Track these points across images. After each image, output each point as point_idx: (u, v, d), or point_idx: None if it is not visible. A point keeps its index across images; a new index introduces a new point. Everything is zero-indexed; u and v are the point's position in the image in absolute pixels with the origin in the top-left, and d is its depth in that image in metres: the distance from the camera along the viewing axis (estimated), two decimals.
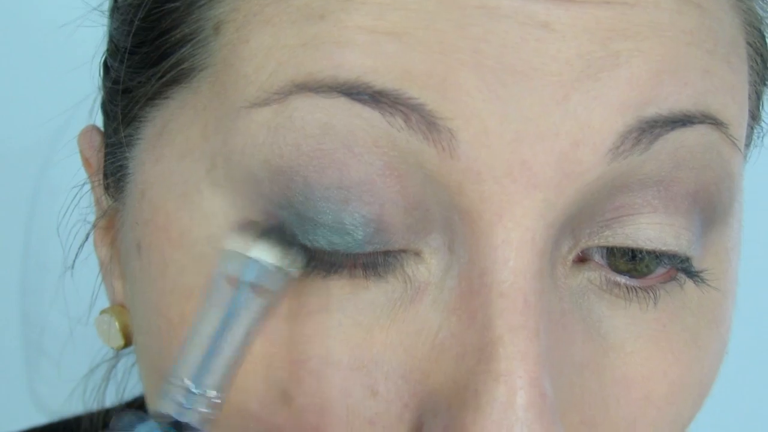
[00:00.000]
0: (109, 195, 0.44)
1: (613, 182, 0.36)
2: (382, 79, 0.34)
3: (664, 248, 0.38)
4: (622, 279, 0.38)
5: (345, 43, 0.34)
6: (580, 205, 0.36)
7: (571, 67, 0.35)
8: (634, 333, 0.38)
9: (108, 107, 0.44)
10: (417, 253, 0.36)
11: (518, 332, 0.34)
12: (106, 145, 0.44)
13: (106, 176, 0.44)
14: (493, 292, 0.35)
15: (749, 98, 0.42)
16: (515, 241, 0.35)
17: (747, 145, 0.45)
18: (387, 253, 0.36)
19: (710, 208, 0.39)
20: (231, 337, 0.34)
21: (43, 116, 0.49)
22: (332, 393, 0.36)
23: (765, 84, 0.44)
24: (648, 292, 0.38)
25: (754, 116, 0.44)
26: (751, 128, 0.44)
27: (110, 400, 0.56)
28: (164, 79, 0.39)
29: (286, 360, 0.36)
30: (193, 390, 0.33)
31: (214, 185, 0.37)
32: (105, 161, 0.44)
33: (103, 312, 0.47)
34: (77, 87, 0.46)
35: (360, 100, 0.34)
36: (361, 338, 0.36)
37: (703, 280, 0.40)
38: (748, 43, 0.41)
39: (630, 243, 0.37)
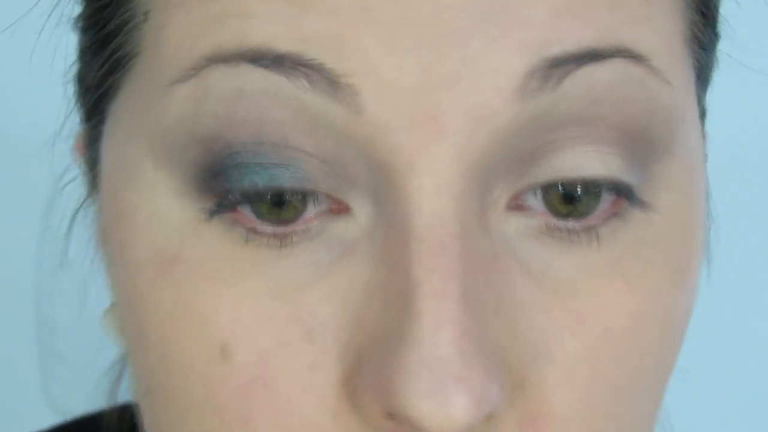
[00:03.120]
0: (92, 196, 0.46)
1: (530, 123, 0.37)
2: (282, 43, 0.36)
3: (593, 174, 0.38)
4: (561, 223, 0.38)
5: (247, 14, 0.36)
6: (501, 149, 0.37)
7: (465, 14, 0.36)
8: (584, 272, 0.38)
9: (80, 110, 0.46)
10: (347, 209, 0.38)
11: (435, 273, 0.35)
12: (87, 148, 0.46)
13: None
14: (411, 238, 0.35)
15: (687, 26, 0.41)
16: (428, 187, 0.35)
17: (701, 78, 0.44)
18: (314, 211, 0.37)
19: (644, 140, 0.38)
20: None
21: (59, 114, 0.49)
22: (270, 344, 0.37)
23: (703, 14, 0.42)
24: (590, 233, 0.38)
25: (704, 45, 0.43)
26: (703, 58, 0.43)
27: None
28: (104, 69, 0.41)
29: (223, 318, 0.37)
30: None
31: (155, 161, 0.39)
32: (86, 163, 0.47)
33: (106, 311, 0.48)
34: None
35: (264, 65, 0.36)
36: (294, 292, 0.37)
37: (644, 205, 0.39)
38: None
39: (557, 174, 0.37)
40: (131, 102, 0.41)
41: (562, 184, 0.38)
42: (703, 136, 0.46)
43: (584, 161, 0.37)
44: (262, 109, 0.36)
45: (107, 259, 0.43)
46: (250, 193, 0.37)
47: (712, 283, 0.49)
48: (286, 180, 0.37)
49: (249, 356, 0.37)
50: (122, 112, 0.41)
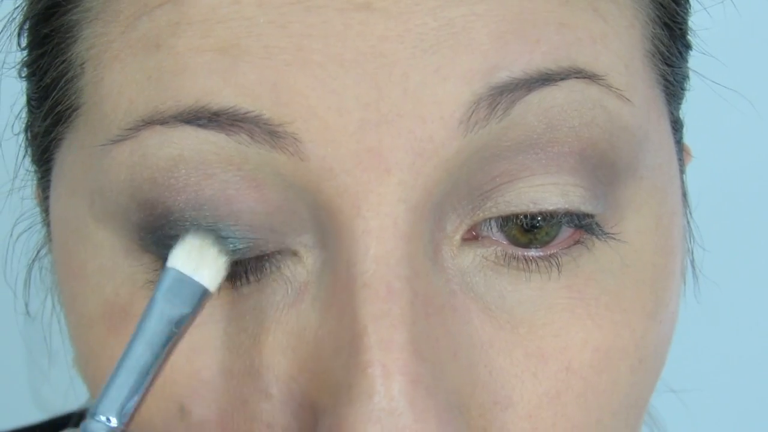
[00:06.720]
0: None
1: (480, 153, 0.35)
2: (217, 98, 0.34)
3: (551, 208, 0.36)
4: (519, 251, 0.37)
5: (181, 69, 0.35)
6: (450, 181, 0.35)
7: (403, 45, 0.34)
8: (543, 304, 0.37)
9: (30, 158, 0.45)
10: (294, 254, 0.36)
11: (381, 321, 0.34)
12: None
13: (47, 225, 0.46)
14: (357, 283, 0.34)
15: (648, 41, 0.39)
16: (375, 229, 0.34)
17: (671, 91, 0.42)
18: (260, 258, 0.36)
19: (607, 165, 0.37)
20: (155, 366, 0.35)
21: None
22: (228, 401, 0.36)
23: (669, 26, 0.41)
24: (550, 261, 0.37)
25: (669, 59, 0.41)
26: (669, 72, 0.41)
27: None
28: (48, 120, 0.40)
29: (181, 374, 0.36)
30: (114, 426, 0.34)
31: (96, 220, 0.38)
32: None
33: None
34: None
35: (201, 125, 0.35)
36: (249, 344, 0.36)
37: (608, 236, 0.37)
38: None
39: (513, 209, 0.36)
40: (74, 156, 0.39)
41: (516, 215, 0.36)
42: (680, 146, 0.44)
43: (542, 194, 0.36)
44: (204, 171, 0.35)
45: (63, 309, 0.42)
46: None
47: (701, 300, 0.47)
48: (232, 254, 0.36)
49: (208, 415, 0.36)
50: (66, 164, 0.40)
